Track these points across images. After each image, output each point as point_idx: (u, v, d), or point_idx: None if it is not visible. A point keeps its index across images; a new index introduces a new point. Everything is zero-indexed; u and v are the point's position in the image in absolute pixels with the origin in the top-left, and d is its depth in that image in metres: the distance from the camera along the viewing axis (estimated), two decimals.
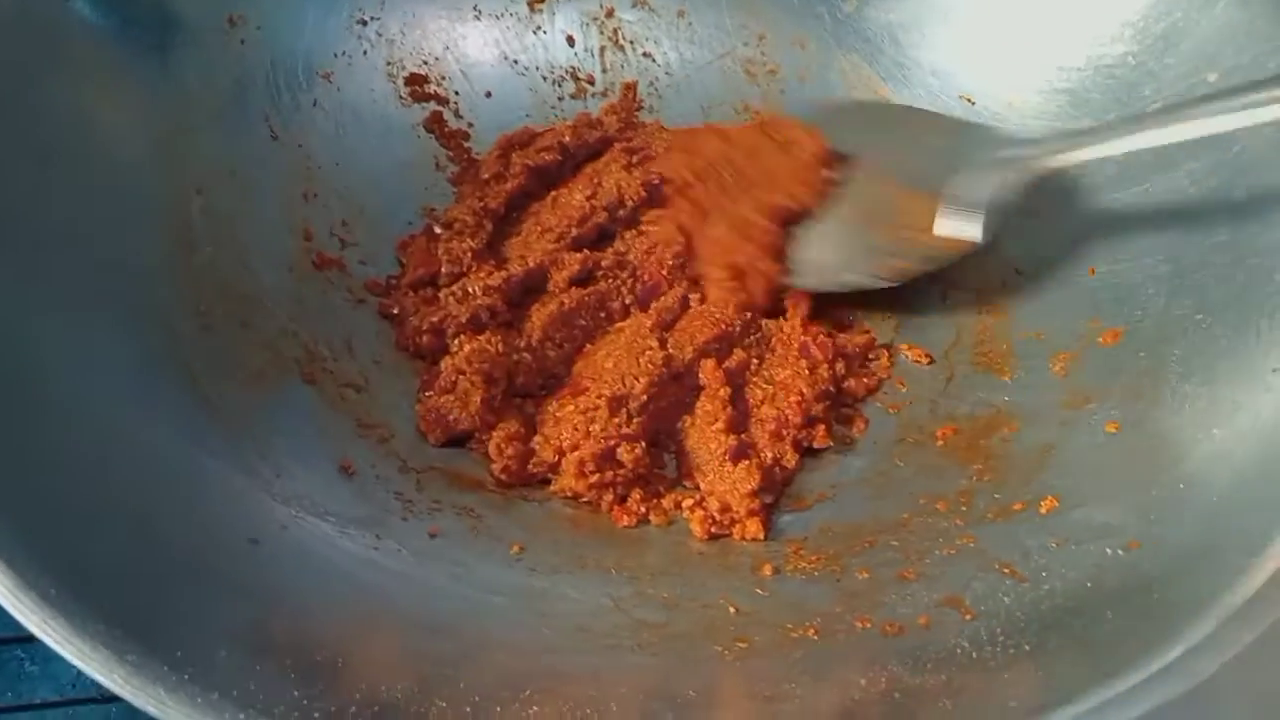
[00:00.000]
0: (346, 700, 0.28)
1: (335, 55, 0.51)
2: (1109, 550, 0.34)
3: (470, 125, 0.54)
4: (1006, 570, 0.35)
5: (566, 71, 0.56)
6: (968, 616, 0.34)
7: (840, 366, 0.45)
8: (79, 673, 0.43)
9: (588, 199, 0.49)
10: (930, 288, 0.48)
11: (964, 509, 0.39)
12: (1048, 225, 0.48)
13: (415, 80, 0.53)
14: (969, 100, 0.52)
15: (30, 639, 0.44)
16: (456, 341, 0.44)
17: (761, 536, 0.40)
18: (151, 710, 0.25)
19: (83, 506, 0.31)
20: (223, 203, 0.45)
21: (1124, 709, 0.27)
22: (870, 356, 0.46)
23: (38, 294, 0.35)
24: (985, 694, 0.29)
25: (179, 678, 0.26)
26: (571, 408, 0.42)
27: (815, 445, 0.43)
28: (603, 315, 0.46)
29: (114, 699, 0.42)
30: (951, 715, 0.29)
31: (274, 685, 0.27)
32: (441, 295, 0.46)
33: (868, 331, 0.48)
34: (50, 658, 0.44)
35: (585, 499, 0.41)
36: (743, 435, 0.42)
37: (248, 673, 0.27)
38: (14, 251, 0.35)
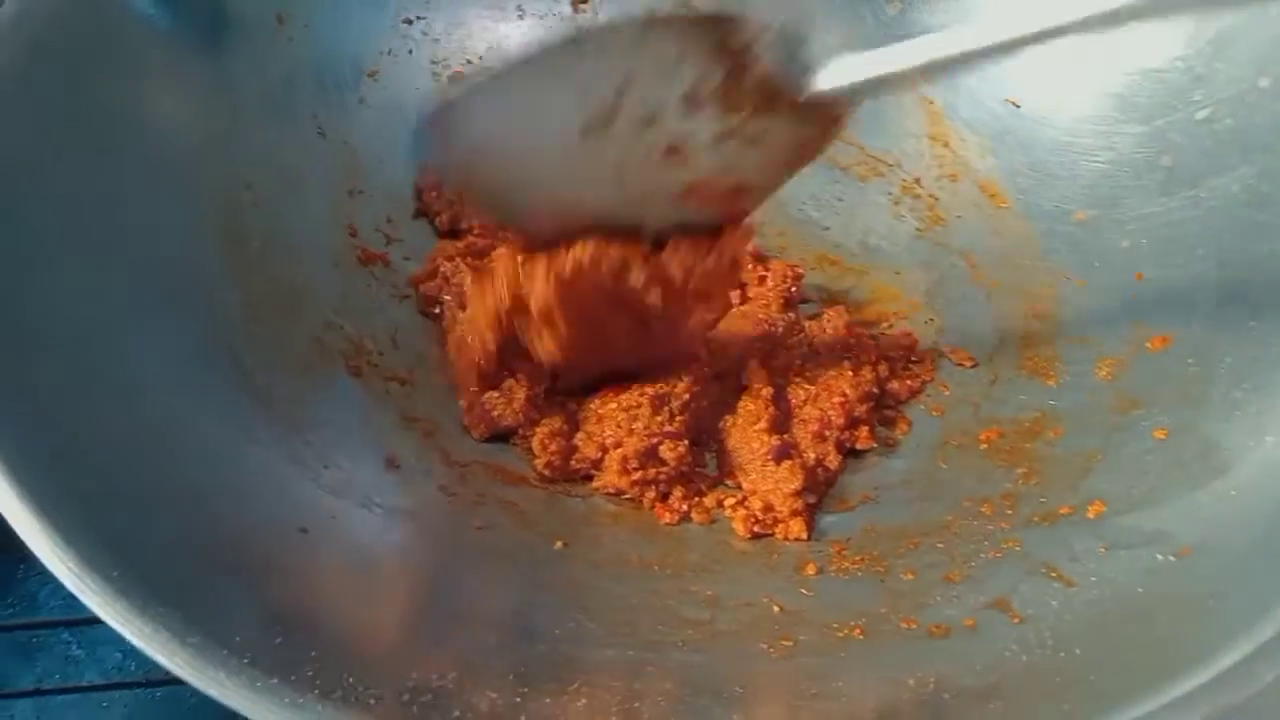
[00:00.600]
0: (399, 687, 0.28)
1: (381, 54, 0.52)
2: (1160, 556, 0.34)
3: None
4: (1054, 574, 0.35)
5: None
6: (1015, 620, 0.33)
7: (884, 368, 0.45)
8: (124, 657, 0.45)
9: None
10: (974, 291, 0.48)
11: (1009, 512, 0.39)
12: (1096, 231, 0.47)
13: (460, 78, 0.54)
14: (1014, 103, 0.51)
15: (76, 623, 0.45)
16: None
17: (805, 536, 0.40)
18: (214, 693, 0.26)
19: (142, 493, 0.31)
20: (271, 198, 0.45)
21: (1178, 715, 0.26)
22: (913, 358, 0.46)
23: (92, 287, 0.36)
24: (1037, 697, 0.29)
25: (239, 662, 0.26)
26: (614, 405, 0.42)
27: (858, 446, 0.43)
28: None
29: (159, 683, 0.43)
30: (1003, 718, 0.28)
31: (329, 671, 0.27)
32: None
33: (910, 333, 0.48)
34: (97, 641, 0.44)
35: (628, 495, 0.42)
36: (785, 436, 0.42)
37: (303, 659, 0.28)
38: (67, 238, 0.36)
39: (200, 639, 0.27)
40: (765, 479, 0.41)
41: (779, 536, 0.40)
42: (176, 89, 0.44)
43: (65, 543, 0.28)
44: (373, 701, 0.27)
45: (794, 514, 0.40)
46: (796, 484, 0.40)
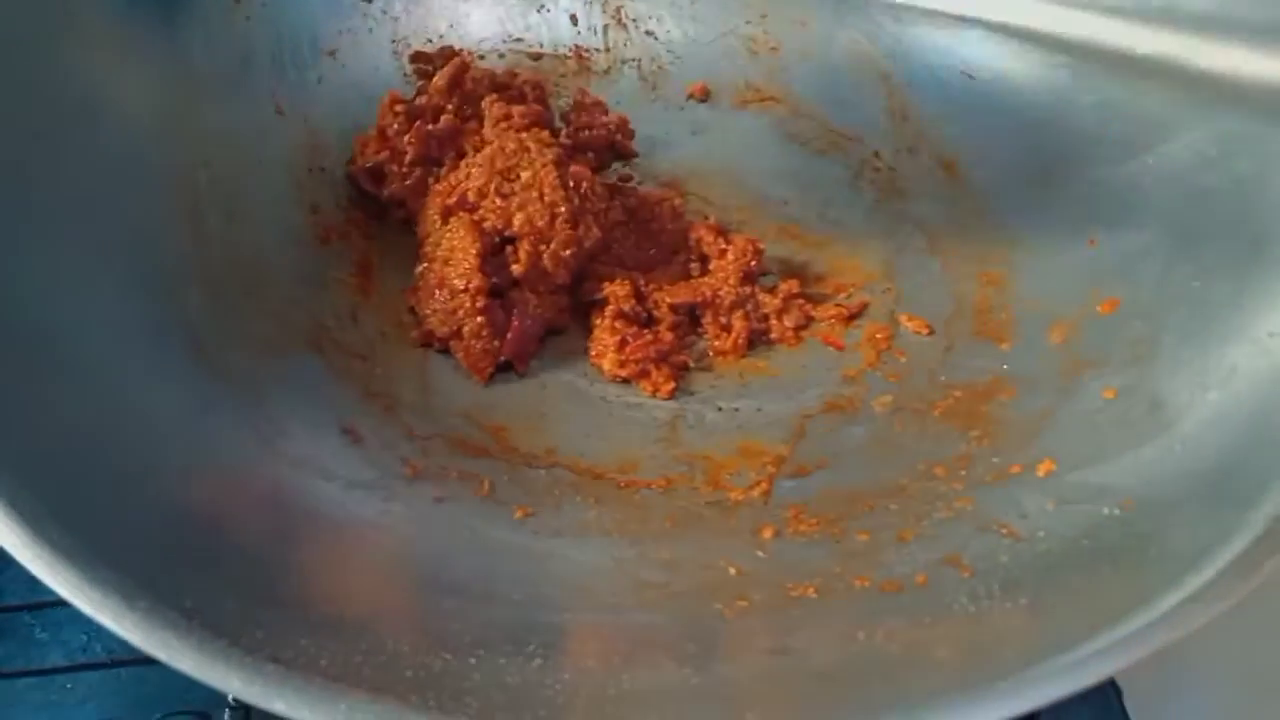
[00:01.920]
0: (353, 650, 0.28)
1: (340, 32, 0.52)
2: (1105, 510, 0.34)
3: None
4: (1004, 530, 0.36)
5: (570, 50, 0.56)
6: (965, 574, 0.34)
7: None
8: (89, 639, 0.44)
9: None
10: (930, 260, 0.48)
11: (962, 473, 0.40)
12: (1048, 198, 0.48)
13: (420, 58, 0.54)
14: (969, 75, 0.52)
15: (39, 606, 0.45)
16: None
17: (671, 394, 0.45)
18: (161, 656, 0.26)
19: (93, 464, 0.31)
20: (229, 175, 0.45)
21: (1117, 657, 0.27)
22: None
23: (46, 263, 0.36)
24: (982, 645, 0.30)
25: (188, 624, 0.26)
26: None
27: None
28: None
29: (124, 664, 0.43)
30: (949, 665, 0.29)
31: (281, 634, 0.28)
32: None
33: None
34: (60, 623, 0.44)
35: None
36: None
37: (255, 622, 0.28)
38: (23, 216, 0.36)
39: (149, 603, 0.27)
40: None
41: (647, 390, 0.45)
42: (131, 67, 0.44)
43: (12, 510, 0.28)
44: (324, 663, 0.27)
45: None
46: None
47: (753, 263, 0.48)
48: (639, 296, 0.47)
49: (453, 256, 0.45)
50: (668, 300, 0.47)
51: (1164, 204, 0.44)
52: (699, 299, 0.47)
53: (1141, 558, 0.31)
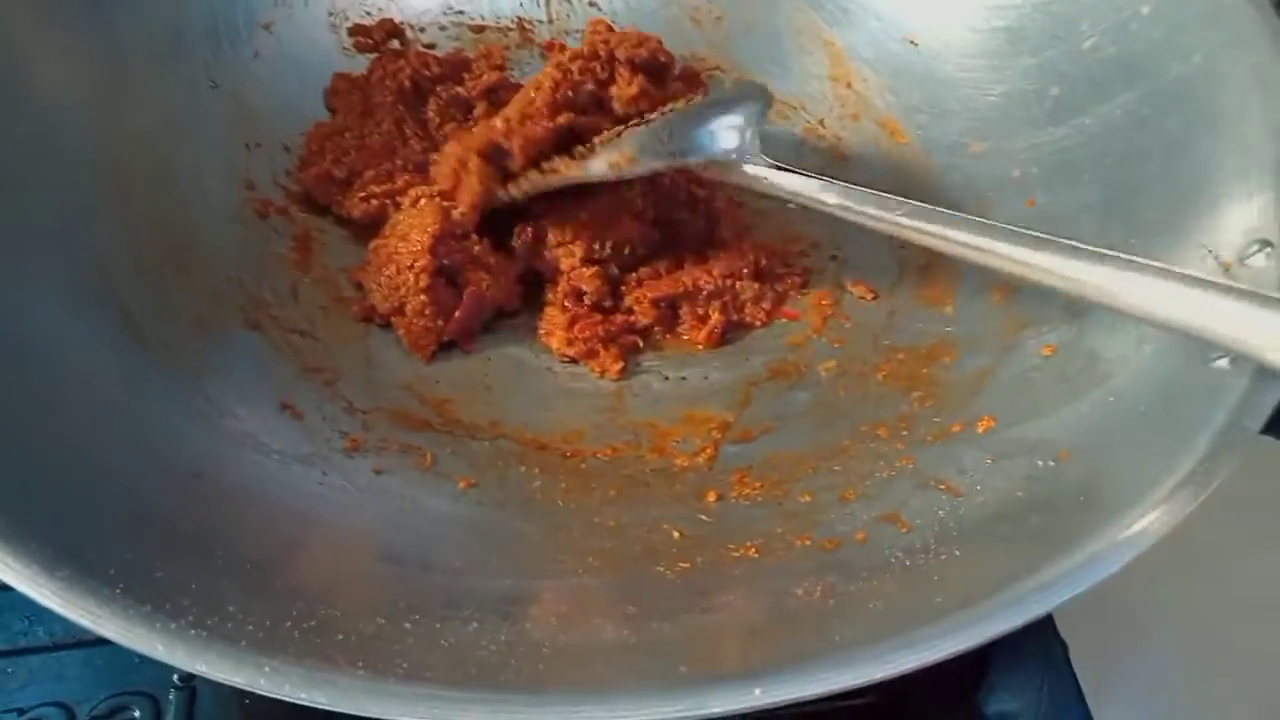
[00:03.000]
0: (283, 615, 0.28)
1: (276, 5, 0.51)
2: (1040, 462, 0.35)
3: None
4: (943, 487, 0.36)
5: (513, 21, 0.56)
6: (904, 530, 0.34)
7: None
8: (30, 623, 0.44)
9: None
10: None
11: (904, 433, 0.40)
12: (990, 162, 0.48)
13: (359, 31, 0.53)
14: (912, 42, 0.52)
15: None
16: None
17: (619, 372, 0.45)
18: (86, 624, 0.26)
19: (16, 435, 0.31)
20: (162, 152, 0.45)
21: (1043, 599, 0.27)
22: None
23: None
24: (914, 594, 0.30)
25: (111, 591, 0.26)
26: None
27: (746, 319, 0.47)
28: None
29: (66, 647, 0.43)
30: (881, 615, 0.29)
31: (209, 601, 0.27)
32: None
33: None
34: (0, 609, 0.44)
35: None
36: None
37: (183, 590, 0.27)
38: None
39: (71, 571, 0.26)
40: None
41: (595, 371, 0.45)
42: (56, 40, 0.43)
43: None
44: (251, 628, 0.27)
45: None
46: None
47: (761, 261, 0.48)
48: (611, 286, 0.47)
49: (410, 234, 0.44)
50: (649, 295, 0.46)
51: (1099, 164, 0.44)
52: (679, 290, 0.46)
53: (1072, 504, 0.32)
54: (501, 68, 0.53)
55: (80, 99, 0.42)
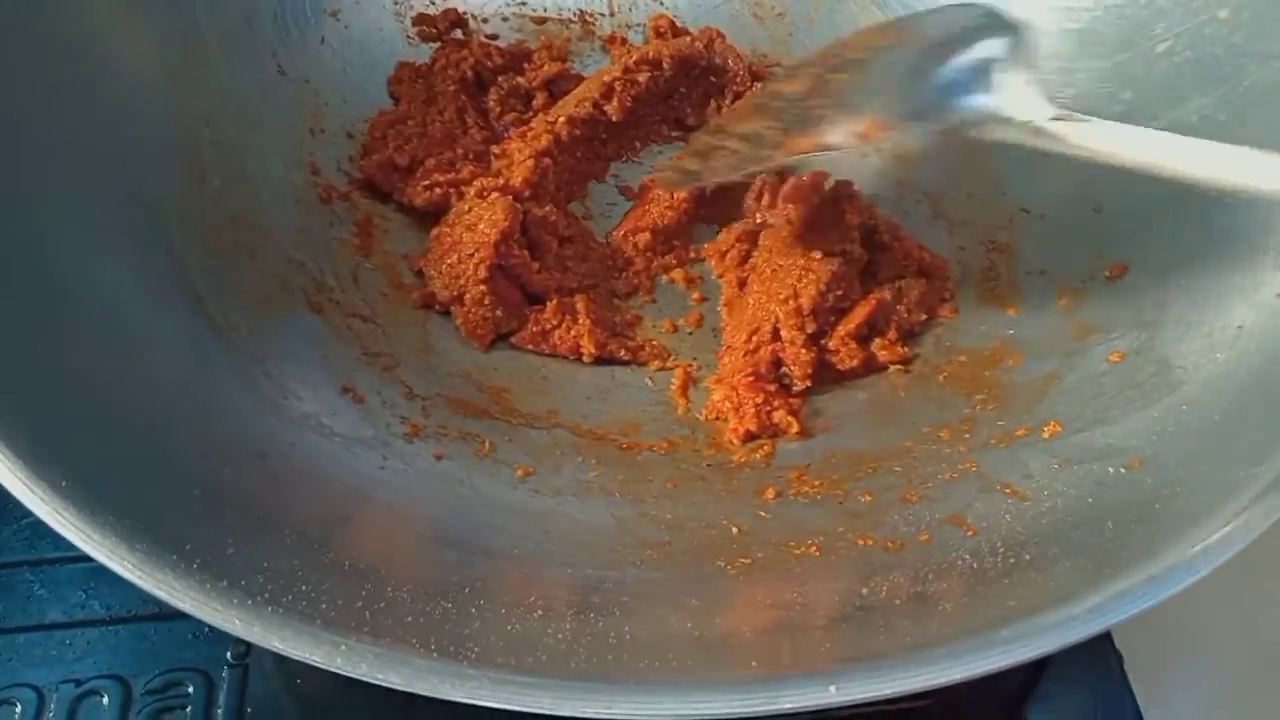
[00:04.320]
0: (354, 596, 0.28)
1: None
2: (1111, 469, 0.34)
3: None
4: (1008, 490, 0.35)
5: (575, 14, 0.56)
6: (969, 533, 0.34)
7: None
8: (86, 596, 0.44)
9: None
10: (935, 223, 0.48)
11: (967, 436, 0.39)
12: (1054, 164, 0.47)
13: (423, 20, 0.54)
14: None
15: (39, 563, 0.45)
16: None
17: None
18: (162, 594, 0.26)
19: (93, 412, 0.31)
20: (231, 135, 0.45)
21: (1118, 610, 0.27)
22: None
23: (50, 215, 0.36)
24: (984, 598, 0.30)
25: (188, 565, 0.26)
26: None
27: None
28: None
29: (121, 620, 0.43)
30: (951, 617, 0.29)
31: (282, 579, 0.28)
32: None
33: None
34: (59, 581, 0.44)
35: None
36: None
37: (256, 567, 0.28)
38: (28, 176, 0.36)
39: (148, 545, 0.27)
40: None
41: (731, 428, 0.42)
42: (135, 26, 0.43)
43: (15, 454, 0.27)
44: (324, 606, 0.27)
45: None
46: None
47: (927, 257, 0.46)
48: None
49: (477, 225, 0.44)
50: (845, 330, 0.42)
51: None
52: (870, 315, 0.43)
53: (1145, 514, 0.31)
54: (563, 59, 0.54)
55: (154, 84, 0.43)
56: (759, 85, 0.47)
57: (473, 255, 0.44)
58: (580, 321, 0.45)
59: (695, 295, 0.47)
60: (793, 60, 0.55)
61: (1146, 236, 0.42)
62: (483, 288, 0.44)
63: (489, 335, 0.45)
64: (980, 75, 0.35)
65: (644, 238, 0.48)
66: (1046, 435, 0.37)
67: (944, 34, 0.37)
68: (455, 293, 0.44)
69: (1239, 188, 0.32)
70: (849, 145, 0.35)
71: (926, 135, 0.35)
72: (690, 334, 0.46)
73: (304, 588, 0.28)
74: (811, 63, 0.40)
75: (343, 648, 0.25)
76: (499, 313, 0.44)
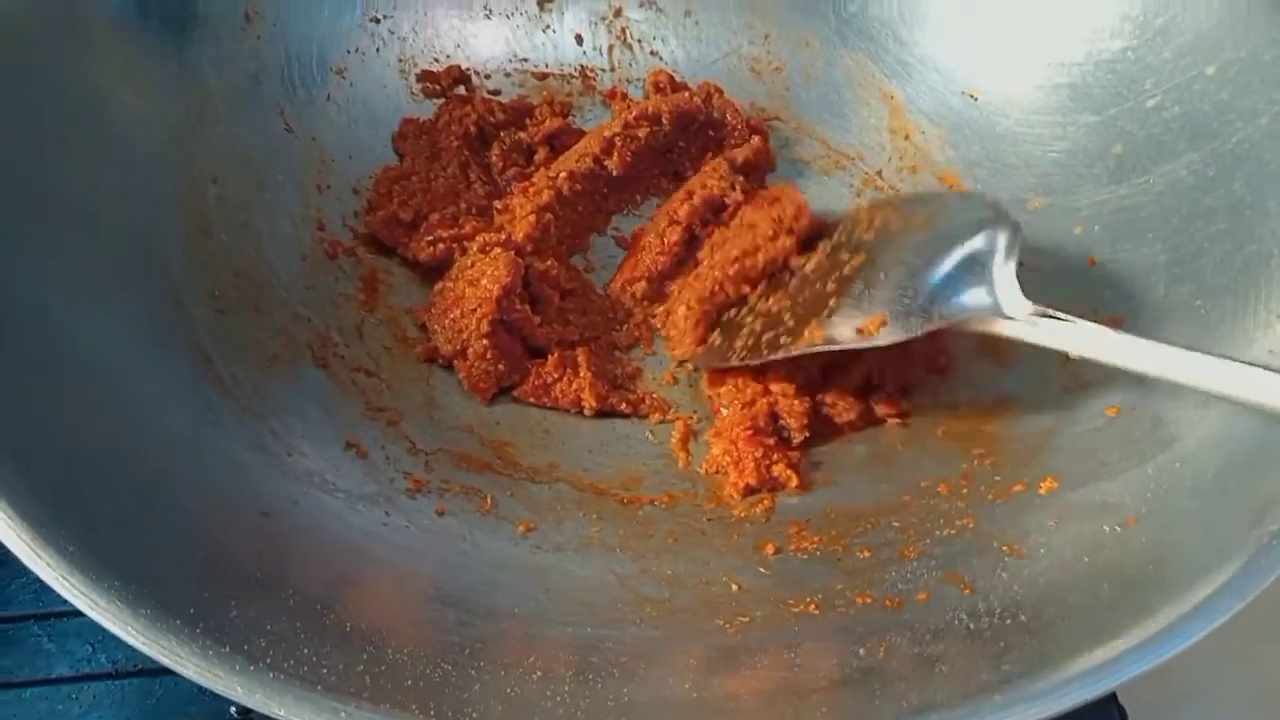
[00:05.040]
0: (354, 660, 0.28)
1: (349, 51, 0.53)
2: (1106, 528, 0.34)
3: None
4: (1005, 548, 0.36)
5: (576, 70, 0.57)
6: (966, 591, 0.34)
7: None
8: (93, 650, 0.45)
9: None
10: None
11: (965, 491, 0.40)
12: (1050, 218, 0.48)
13: (427, 77, 0.55)
14: (972, 96, 0.52)
15: (47, 617, 0.45)
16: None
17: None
18: (165, 661, 0.26)
19: (99, 473, 0.32)
20: (237, 192, 0.46)
21: (1115, 674, 0.27)
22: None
23: (57, 270, 0.36)
24: (979, 660, 0.30)
25: (191, 631, 0.27)
26: None
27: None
28: None
29: (127, 675, 0.43)
30: (947, 679, 0.29)
31: (284, 644, 0.28)
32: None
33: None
34: (66, 635, 0.44)
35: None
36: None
37: (258, 631, 0.28)
38: (34, 229, 0.36)
39: (152, 610, 0.27)
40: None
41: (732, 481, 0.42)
42: (144, 83, 0.44)
43: (21, 518, 0.28)
44: (325, 671, 0.27)
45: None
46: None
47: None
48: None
49: (480, 280, 0.45)
50: (842, 385, 0.43)
51: (1164, 224, 0.44)
52: (870, 369, 0.44)
53: (1141, 576, 0.31)
54: (564, 114, 0.55)
55: (162, 140, 0.44)
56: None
57: (475, 310, 0.45)
58: (581, 375, 0.45)
59: None
60: (790, 115, 0.56)
61: (1140, 292, 0.43)
62: (485, 342, 0.44)
63: (491, 389, 0.45)
64: (975, 271, 0.39)
65: (640, 286, 0.49)
66: (1043, 491, 0.38)
67: (947, 226, 0.41)
68: (458, 347, 0.45)
69: (1209, 391, 0.34)
70: (851, 342, 0.39)
71: (921, 329, 0.39)
72: (690, 386, 0.47)
73: (305, 651, 0.28)
74: (831, 231, 0.44)
75: (343, 714, 0.25)
76: (501, 366, 0.45)
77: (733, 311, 0.45)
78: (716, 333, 0.43)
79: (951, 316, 0.38)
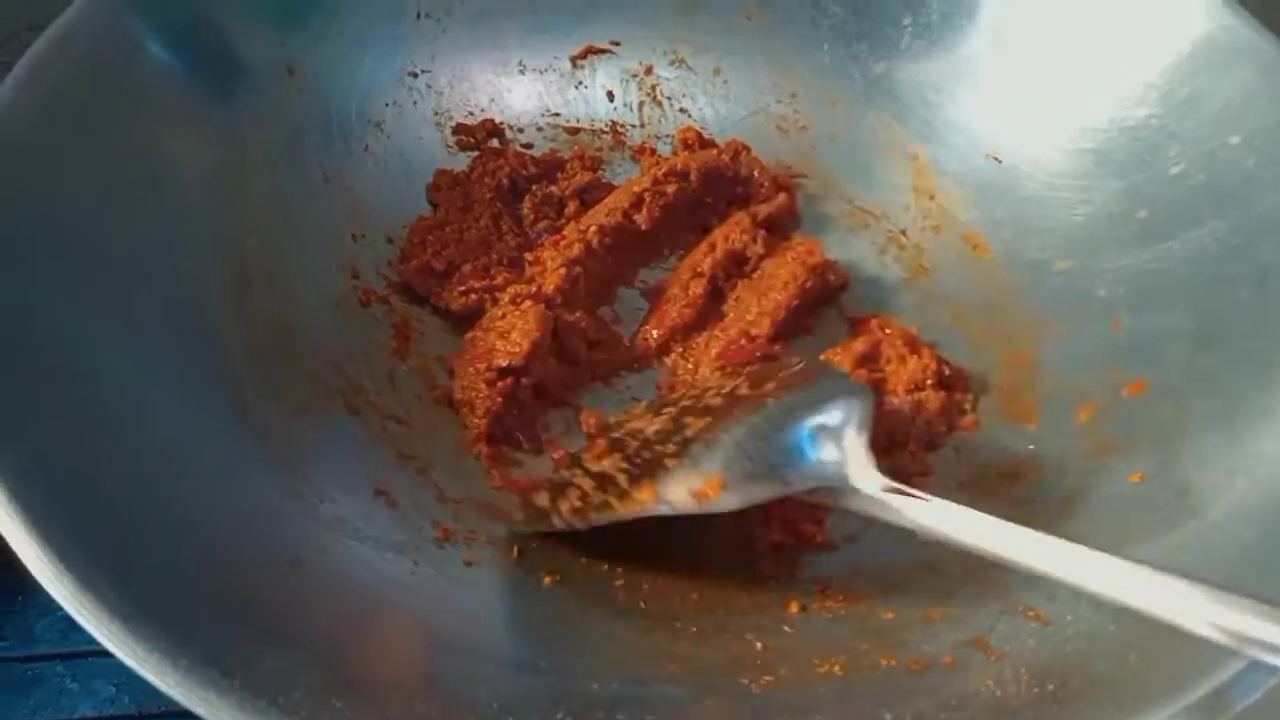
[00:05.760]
0: (382, 713, 0.29)
1: (386, 104, 0.54)
2: None
3: None
4: (1032, 614, 0.36)
5: (607, 125, 0.58)
6: (992, 657, 0.34)
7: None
8: (117, 690, 0.45)
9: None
10: (957, 338, 0.49)
11: None
12: (1075, 280, 0.49)
13: (462, 130, 0.56)
14: (996, 159, 0.53)
15: (71, 656, 0.46)
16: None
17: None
18: (202, 712, 0.26)
19: (140, 520, 0.32)
20: (275, 240, 0.47)
21: None
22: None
23: (100, 320, 0.37)
24: None
25: (230, 684, 0.27)
26: None
27: None
28: None
29: (151, 717, 0.44)
30: None
31: (317, 696, 0.28)
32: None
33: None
34: (91, 675, 0.45)
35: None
36: None
37: (292, 683, 0.28)
38: (80, 279, 0.37)
39: (190, 660, 0.27)
40: None
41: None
42: (189, 135, 0.45)
43: (63, 565, 0.28)
44: None
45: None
46: None
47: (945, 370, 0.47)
48: None
49: (509, 334, 0.46)
50: None
51: (1188, 290, 0.44)
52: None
53: (1169, 646, 0.31)
54: (594, 169, 0.56)
55: (203, 188, 0.45)
56: (615, 419, 0.46)
57: (489, 367, 0.45)
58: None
59: None
60: (816, 173, 0.57)
61: (1164, 356, 0.43)
62: (487, 401, 0.45)
63: (476, 446, 0.45)
64: (826, 441, 0.37)
65: (664, 335, 0.50)
66: None
67: (799, 394, 0.40)
68: (466, 398, 0.46)
69: (1064, 582, 0.32)
70: (686, 505, 0.36)
71: (763, 496, 0.36)
72: None
73: (338, 705, 0.28)
74: (677, 399, 0.43)
75: None
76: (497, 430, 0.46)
77: (564, 471, 0.42)
78: (543, 492, 0.41)
79: (798, 483, 0.36)
